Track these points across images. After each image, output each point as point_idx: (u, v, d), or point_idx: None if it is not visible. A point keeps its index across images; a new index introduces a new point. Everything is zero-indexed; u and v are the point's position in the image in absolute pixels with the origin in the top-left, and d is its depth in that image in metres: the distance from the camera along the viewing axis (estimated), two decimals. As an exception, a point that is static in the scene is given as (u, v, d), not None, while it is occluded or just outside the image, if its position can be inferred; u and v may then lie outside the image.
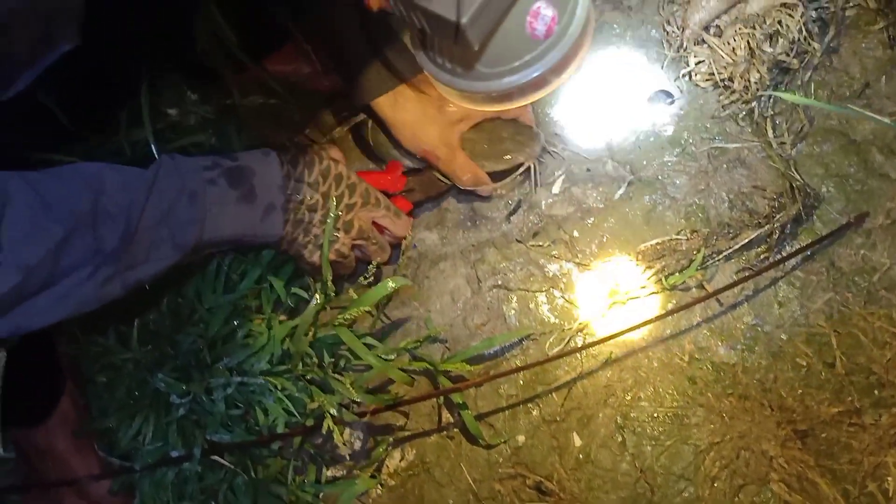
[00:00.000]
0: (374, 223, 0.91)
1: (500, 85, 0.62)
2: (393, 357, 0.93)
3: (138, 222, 0.71)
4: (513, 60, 0.60)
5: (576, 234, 0.97)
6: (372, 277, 0.89)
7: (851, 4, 0.96)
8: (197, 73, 1.00)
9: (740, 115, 0.96)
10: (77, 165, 0.71)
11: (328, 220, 0.85)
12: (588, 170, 0.99)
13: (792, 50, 0.92)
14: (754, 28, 0.92)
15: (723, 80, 0.94)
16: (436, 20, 0.54)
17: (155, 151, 0.92)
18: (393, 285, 0.86)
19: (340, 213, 0.86)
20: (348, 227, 0.87)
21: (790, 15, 0.91)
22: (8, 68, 0.66)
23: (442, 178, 0.97)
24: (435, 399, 0.95)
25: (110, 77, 0.94)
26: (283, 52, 1.00)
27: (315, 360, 0.91)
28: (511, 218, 1.00)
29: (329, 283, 0.86)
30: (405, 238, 0.94)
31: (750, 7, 0.91)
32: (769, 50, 0.91)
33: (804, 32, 0.93)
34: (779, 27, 0.91)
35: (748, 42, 0.91)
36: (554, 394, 0.94)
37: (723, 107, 0.95)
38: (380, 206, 0.90)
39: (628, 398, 0.93)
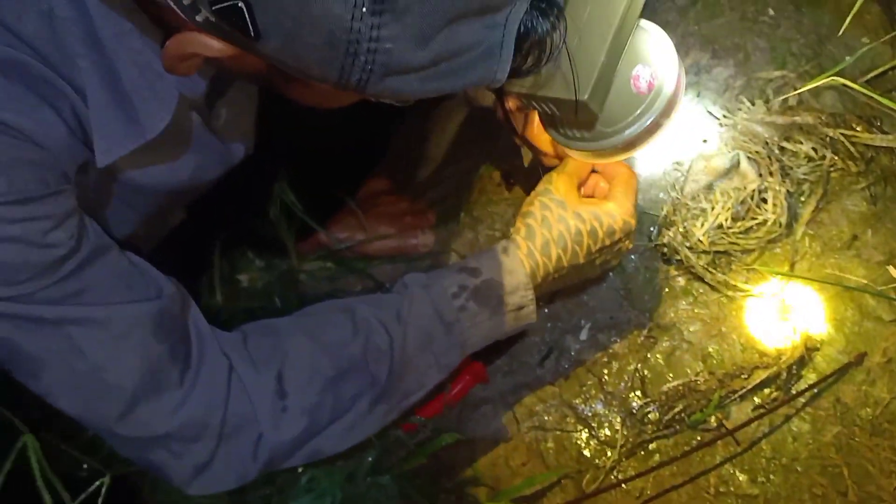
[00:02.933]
0: None
1: (622, 138, 0.76)
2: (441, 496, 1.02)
3: (403, 355, 0.80)
4: (628, 116, 0.75)
5: (605, 377, 1.07)
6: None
7: (835, 168, 1.09)
8: (262, 243, 1.14)
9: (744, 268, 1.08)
10: (334, 303, 0.84)
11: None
12: (611, 318, 1.11)
13: (786, 209, 1.06)
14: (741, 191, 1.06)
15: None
16: (561, 103, 0.68)
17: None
18: (448, 440, 0.96)
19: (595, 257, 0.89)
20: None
21: (781, 181, 1.05)
22: (134, 249, 0.79)
23: None
24: (482, 536, 1.04)
25: (194, 246, 1.07)
26: (338, 220, 1.14)
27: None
28: (544, 363, 1.11)
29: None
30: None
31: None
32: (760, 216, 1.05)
33: (794, 194, 1.07)
34: (773, 191, 1.06)
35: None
36: (593, 528, 1.02)
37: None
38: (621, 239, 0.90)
39: (661, 531, 1.01)
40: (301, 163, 1.05)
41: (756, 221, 1.06)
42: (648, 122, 0.76)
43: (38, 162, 0.58)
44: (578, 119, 0.73)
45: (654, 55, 0.75)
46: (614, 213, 0.87)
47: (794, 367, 1.04)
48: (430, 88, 0.50)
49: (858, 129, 1.10)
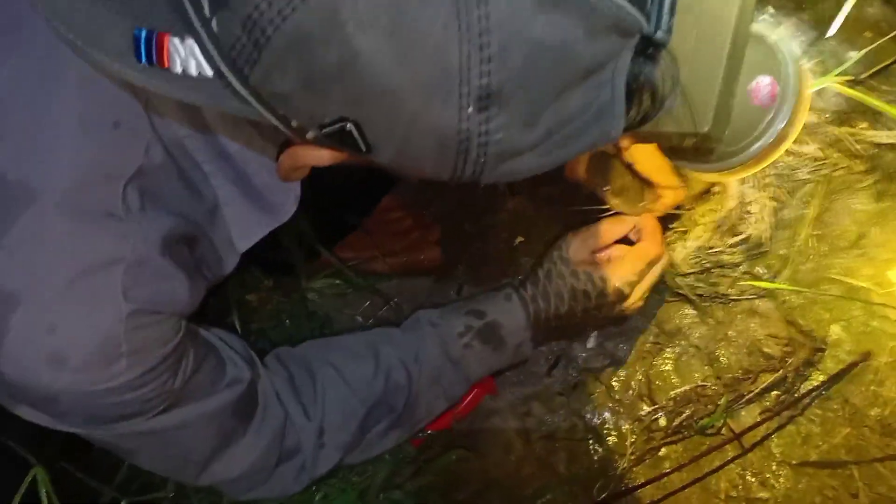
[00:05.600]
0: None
1: (749, 154, 0.74)
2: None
3: (417, 389, 0.90)
4: (754, 131, 0.72)
5: (613, 385, 1.08)
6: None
7: (839, 167, 1.09)
8: (271, 262, 1.16)
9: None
10: (357, 339, 0.92)
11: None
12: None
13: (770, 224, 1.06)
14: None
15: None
16: (682, 136, 0.65)
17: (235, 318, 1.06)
18: (454, 457, 0.99)
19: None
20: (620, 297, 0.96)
21: (773, 192, 1.05)
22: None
23: None
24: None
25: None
26: (348, 241, 1.16)
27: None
28: (552, 372, 1.12)
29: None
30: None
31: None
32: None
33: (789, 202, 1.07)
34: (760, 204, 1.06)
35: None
36: (604, 536, 1.04)
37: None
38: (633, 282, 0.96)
39: (672, 537, 1.02)
40: (314, 187, 1.07)
41: (739, 237, 1.06)
42: (775, 135, 0.72)
43: (164, 330, 0.65)
44: (703, 146, 0.70)
45: (772, 63, 0.70)
46: (608, 279, 0.95)
47: (801, 368, 1.04)
48: (547, 162, 0.49)
49: (863, 125, 1.09)
